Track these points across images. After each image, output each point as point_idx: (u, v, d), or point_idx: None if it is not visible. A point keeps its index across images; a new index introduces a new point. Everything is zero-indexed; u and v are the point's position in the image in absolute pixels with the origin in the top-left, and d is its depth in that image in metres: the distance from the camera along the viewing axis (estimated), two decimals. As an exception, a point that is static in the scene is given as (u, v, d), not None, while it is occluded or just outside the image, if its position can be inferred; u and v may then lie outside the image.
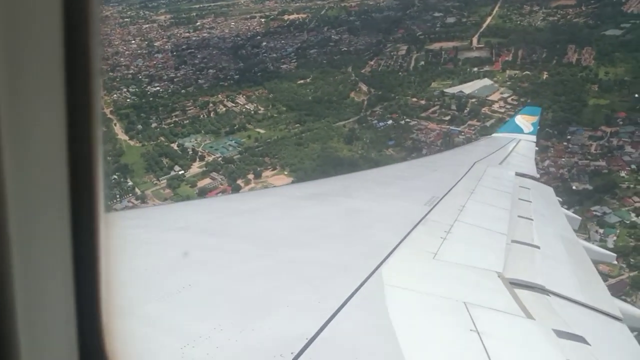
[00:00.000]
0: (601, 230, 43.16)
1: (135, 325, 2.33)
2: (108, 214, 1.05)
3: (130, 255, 3.07)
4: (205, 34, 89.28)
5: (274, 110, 70.11)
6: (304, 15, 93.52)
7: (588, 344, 3.63)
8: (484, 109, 64.92)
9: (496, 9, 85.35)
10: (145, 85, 75.06)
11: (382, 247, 4.24)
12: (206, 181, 55.62)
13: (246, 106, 71.02)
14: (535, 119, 15.10)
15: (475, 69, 73.50)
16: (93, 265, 1.02)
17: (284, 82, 75.77)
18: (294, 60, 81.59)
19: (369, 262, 3.81)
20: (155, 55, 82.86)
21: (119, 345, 1.12)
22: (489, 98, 66.61)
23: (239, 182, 54.94)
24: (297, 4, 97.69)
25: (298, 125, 66.42)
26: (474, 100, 66.71)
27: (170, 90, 73.87)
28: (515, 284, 4.30)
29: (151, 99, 72.05)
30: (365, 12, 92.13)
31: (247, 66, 79.70)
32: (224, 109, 70.56)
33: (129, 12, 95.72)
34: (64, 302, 0.99)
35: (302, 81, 76.24)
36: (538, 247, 5.69)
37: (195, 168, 58.22)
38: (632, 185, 48.67)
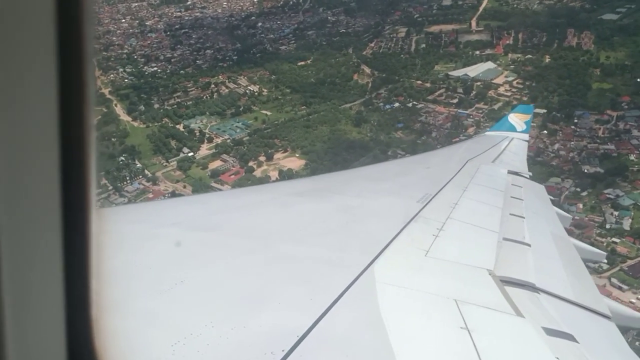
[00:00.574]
0: (616, 213, 44.25)
1: (126, 322, 2.29)
2: (100, 209, 1.02)
3: (122, 251, 3.06)
4: (197, 14, 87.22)
5: (278, 92, 69.33)
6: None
7: (577, 341, 3.68)
8: (490, 92, 65.22)
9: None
10: (141, 66, 73.38)
11: (374, 243, 4.23)
12: (217, 163, 54.92)
13: (249, 87, 70.05)
14: (528, 117, 15.14)
15: (477, 52, 73.46)
16: (84, 261, 0.99)
17: (284, 64, 74.81)
18: (293, 42, 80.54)
19: (361, 258, 3.82)
20: (149, 35, 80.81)
21: (109, 341, 1.10)
22: (494, 81, 66.92)
23: (251, 164, 54.39)
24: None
25: (304, 107, 65.82)
26: (479, 83, 66.94)
27: (168, 71, 72.44)
28: (505, 281, 4.34)
29: (150, 79, 70.51)
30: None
31: (245, 47, 78.44)
32: (227, 90, 69.44)
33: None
34: (54, 297, 0.96)
35: (302, 63, 75.36)
36: (529, 245, 5.75)
37: (205, 150, 57.35)
38: (642, 169, 49.74)
